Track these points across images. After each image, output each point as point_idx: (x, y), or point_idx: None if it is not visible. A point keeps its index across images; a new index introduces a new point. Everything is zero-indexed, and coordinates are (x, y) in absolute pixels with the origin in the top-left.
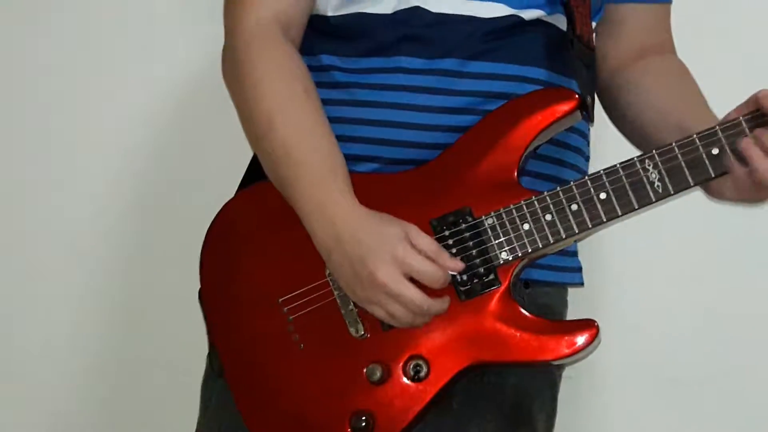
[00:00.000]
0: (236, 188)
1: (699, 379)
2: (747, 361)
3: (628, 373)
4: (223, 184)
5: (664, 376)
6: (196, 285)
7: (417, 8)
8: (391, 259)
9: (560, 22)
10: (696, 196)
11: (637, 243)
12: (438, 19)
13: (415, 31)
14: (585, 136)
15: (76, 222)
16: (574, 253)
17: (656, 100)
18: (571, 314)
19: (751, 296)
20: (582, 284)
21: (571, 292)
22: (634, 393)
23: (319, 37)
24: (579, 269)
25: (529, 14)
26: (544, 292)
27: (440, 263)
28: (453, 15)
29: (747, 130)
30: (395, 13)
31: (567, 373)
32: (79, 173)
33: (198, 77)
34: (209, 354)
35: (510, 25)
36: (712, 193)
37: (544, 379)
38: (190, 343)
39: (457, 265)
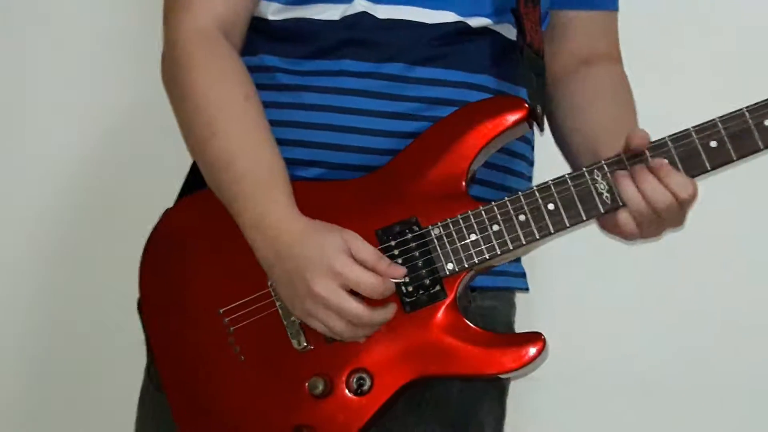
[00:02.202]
0: (176, 195)
1: (670, 380)
2: (720, 362)
3: (598, 375)
4: (163, 191)
5: (636, 379)
6: (134, 294)
7: (364, 14)
8: (327, 271)
9: (508, 31)
10: None
11: (607, 244)
12: (384, 24)
13: (361, 35)
14: (529, 142)
15: (9, 227)
16: (518, 258)
17: (583, 124)
18: (540, 315)
19: (725, 297)
20: (527, 290)
21: (544, 292)
22: (605, 395)
23: (261, 38)
24: (523, 275)
25: (476, 22)
26: (491, 296)
27: (380, 271)
28: (400, 20)
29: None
30: (342, 19)
31: (536, 375)
32: (8, 177)
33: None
34: (147, 366)
35: (457, 32)
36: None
37: (491, 384)
38: (127, 354)
39: (399, 271)
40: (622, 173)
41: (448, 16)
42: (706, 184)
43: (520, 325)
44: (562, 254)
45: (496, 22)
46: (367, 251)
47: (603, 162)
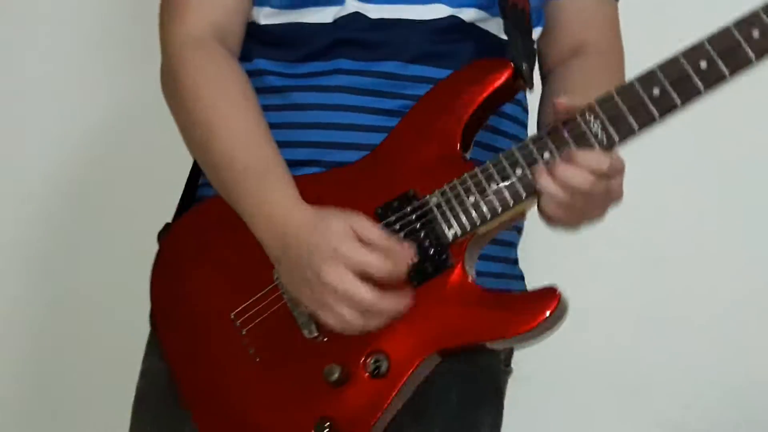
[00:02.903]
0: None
1: (642, 381)
2: (691, 363)
3: (573, 376)
4: (159, 192)
5: (607, 379)
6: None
7: (356, 14)
8: (335, 257)
9: (498, 29)
10: (636, 193)
11: (590, 244)
12: (378, 24)
13: (355, 35)
14: (519, 103)
15: (10, 224)
16: (515, 261)
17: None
18: None
19: (695, 298)
20: (526, 292)
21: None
22: (579, 396)
23: (256, 42)
24: (521, 277)
25: (467, 14)
26: None
27: (390, 251)
28: (393, 20)
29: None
30: (335, 21)
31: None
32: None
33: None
34: (167, 381)
35: (449, 27)
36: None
37: (488, 386)
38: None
39: (408, 250)
40: (539, 168)
41: (439, 10)
42: (697, 186)
43: None
44: (547, 252)
45: (489, 14)
46: (373, 232)
47: (594, 101)
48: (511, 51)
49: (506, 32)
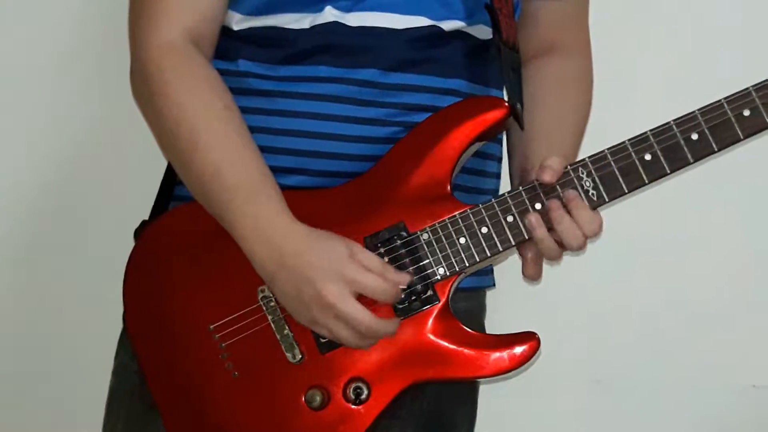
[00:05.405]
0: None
1: (624, 380)
2: (671, 362)
3: (552, 375)
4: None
5: (589, 378)
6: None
7: (335, 23)
8: (339, 278)
9: (480, 33)
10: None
11: None
12: (357, 31)
13: (335, 40)
14: (500, 142)
15: None
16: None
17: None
18: (495, 316)
19: (676, 297)
20: (494, 285)
21: (498, 293)
22: (558, 395)
23: (238, 43)
24: (491, 271)
25: (449, 25)
26: (464, 297)
27: (388, 278)
28: (373, 27)
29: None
30: (312, 27)
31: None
32: None
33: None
34: (140, 386)
35: (430, 36)
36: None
37: (464, 385)
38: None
39: (404, 278)
40: (534, 216)
41: (420, 21)
42: (694, 185)
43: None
44: None
45: (470, 24)
46: (372, 259)
47: (587, 159)
48: (506, 89)
49: (500, 69)
